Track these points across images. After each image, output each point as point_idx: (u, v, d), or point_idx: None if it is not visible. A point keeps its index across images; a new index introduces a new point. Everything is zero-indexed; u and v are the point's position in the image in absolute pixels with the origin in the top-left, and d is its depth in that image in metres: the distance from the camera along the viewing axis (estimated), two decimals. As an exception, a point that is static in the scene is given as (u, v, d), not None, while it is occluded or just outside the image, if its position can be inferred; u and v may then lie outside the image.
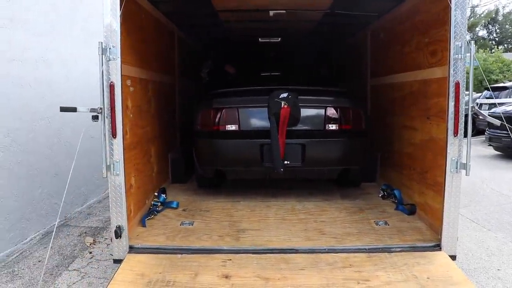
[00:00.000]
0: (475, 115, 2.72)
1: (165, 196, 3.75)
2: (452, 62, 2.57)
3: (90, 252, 3.82)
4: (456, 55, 2.55)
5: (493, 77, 19.05)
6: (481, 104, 11.79)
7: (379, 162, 4.44)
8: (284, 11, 3.97)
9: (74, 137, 4.70)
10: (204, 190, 4.16)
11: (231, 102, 3.63)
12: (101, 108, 2.51)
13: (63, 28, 4.72)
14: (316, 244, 2.81)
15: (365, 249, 2.72)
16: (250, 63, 5.51)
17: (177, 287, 2.30)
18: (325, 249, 2.71)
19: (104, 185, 5.59)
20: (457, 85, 2.56)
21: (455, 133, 2.60)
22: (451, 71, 2.58)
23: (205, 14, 4.19)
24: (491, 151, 9.56)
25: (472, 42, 2.54)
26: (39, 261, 3.63)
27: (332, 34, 5.38)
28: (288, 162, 3.43)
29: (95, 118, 2.54)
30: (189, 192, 4.15)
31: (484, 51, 23.56)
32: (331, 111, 3.59)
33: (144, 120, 3.50)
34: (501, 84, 13.62)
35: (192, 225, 3.18)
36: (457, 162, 2.62)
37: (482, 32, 39.91)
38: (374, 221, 3.21)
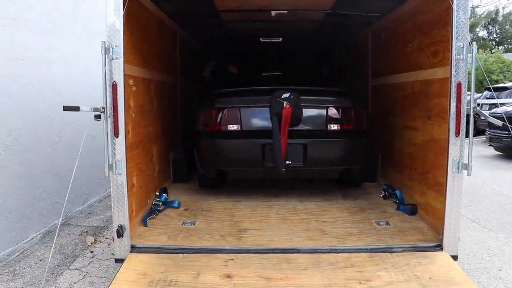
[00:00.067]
0: (477, 116, 2.73)
1: (167, 195, 3.75)
2: (454, 63, 2.58)
3: (91, 252, 3.83)
4: (458, 56, 2.56)
5: (494, 77, 19.07)
6: (481, 105, 11.79)
7: (380, 162, 4.45)
8: (286, 11, 3.98)
9: (75, 136, 4.71)
10: (205, 190, 4.16)
11: (233, 102, 3.63)
12: (103, 108, 2.52)
13: (65, 27, 4.72)
14: (318, 244, 2.81)
15: (367, 249, 2.72)
16: (252, 63, 5.52)
17: (179, 286, 2.30)
18: (326, 249, 2.72)
19: (104, 184, 5.60)
20: (459, 85, 2.56)
21: (457, 133, 2.60)
22: (453, 72, 2.58)
23: (207, 14, 4.19)
24: (492, 151, 9.56)
25: (474, 42, 2.55)
26: (40, 260, 3.63)
27: (334, 34, 5.38)
28: (290, 162, 3.44)
29: (97, 117, 2.54)
30: (190, 191, 4.15)
31: (484, 52, 23.57)
32: (333, 111, 3.60)
33: (146, 120, 3.50)
34: (502, 85, 13.64)
35: (193, 224, 3.18)
36: (458, 162, 2.62)
37: (482, 33, 39.95)
38: (376, 221, 3.21)
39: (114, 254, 2.79)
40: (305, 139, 3.51)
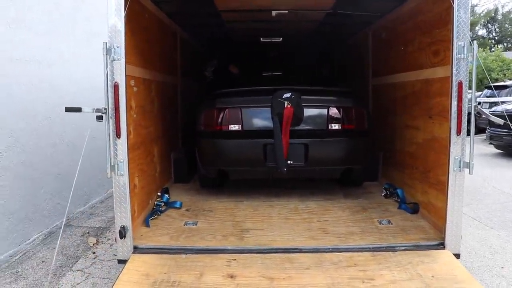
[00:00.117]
0: (478, 114, 2.72)
1: (168, 196, 3.75)
2: (455, 62, 2.58)
3: (94, 253, 3.83)
4: (459, 55, 2.57)
5: (493, 75, 19.10)
6: (481, 103, 11.81)
7: (381, 161, 4.45)
8: (287, 11, 3.98)
9: (76, 137, 4.71)
10: (206, 190, 4.17)
11: (234, 102, 3.63)
12: (105, 108, 2.52)
13: (65, 28, 4.72)
14: (320, 244, 2.81)
15: (369, 248, 2.72)
16: (253, 63, 5.52)
17: (183, 287, 2.30)
18: (329, 249, 2.72)
19: (106, 185, 5.60)
20: (460, 84, 2.57)
21: (458, 132, 2.61)
22: (454, 71, 2.59)
23: (207, 14, 4.19)
24: (492, 149, 9.57)
25: (475, 42, 2.55)
26: (42, 262, 3.63)
27: (334, 34, 5.38)
28: (291, 162, 3.44)
29: (99, 118, 2.55)
30: (191, 192, 4.15)
31: (483, 50, 23.60)
32: (334, 111, 3.60)
33: (148, 120, 3.50)
34: (502, 83, 13.66)
35: (195, 225, 3.18)
36: (460, 161, 2.63)
37: (482, 31, 39.98)
38: (378, 220, 3.22)
39: (116, 255, 2.79)
40: (307, 138, 3.52)
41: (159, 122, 3.92)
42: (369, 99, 4.86)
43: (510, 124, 2.99)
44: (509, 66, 20.24)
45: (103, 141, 2.63)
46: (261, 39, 5.53)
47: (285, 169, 3.39)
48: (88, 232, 4.35)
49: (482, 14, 37.60)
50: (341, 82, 5.56)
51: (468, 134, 2.61)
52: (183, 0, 3.73)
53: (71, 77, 4.79)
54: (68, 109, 2.60)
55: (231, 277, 2.39)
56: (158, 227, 3.14)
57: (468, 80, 2.59)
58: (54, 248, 3.89)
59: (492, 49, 23.67)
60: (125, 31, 2.53)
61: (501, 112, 7.68)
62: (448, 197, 2.66)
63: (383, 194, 3.89)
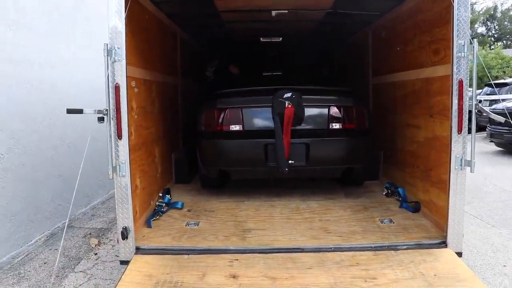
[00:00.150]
0: (479, 113, 2.72)
1: (170, 196, 3.76)
2: (455, 60, 2.58)
3: (96, 254, 3.83)
4: (459, 53, 2.57)
5: (493, 73, 19.10)
6: (481, 101, 11.81)
7: (382, 160, 4.45)
8: (286, 11, 3.98)
9: (77, 138, 4.72)
10: (208, 190, 4.17)
11: (234, 102, 3.63)
12: (106, 110, 2.52)
13: (65, 29, 4.72)
14: (322, 243, 2.82)
15: (371, 247, 2.72)
16: (253, 63, 5.52)
17: (185, 287, 2.30)
18: (331, 248, 2.72)
19: (107, 186, 5.61)
20: (460, 83, 2.57)
21: (459, 130, 2.61)
22: (455, 69, 2.59)
23: (207, 14, 4.19)
24: (493, 147, 9.57)
25: (475, 40, 2.56)
26: (45, 263, 3.64)
27: (334, 33, 5.38)
28: (293, 162, 3.44)
29: (100, 119, 2.55)
30: (193, 192, 4.15)
31: (483, 48, 23.60)
32: (335, 110, 3.60)
33: (149, 121, 3.51)
34: (502, 81, 13.65)
35: (197, 225, 3.18)
36: (461, 159, 2.63)
37: (481, 29, 39.98)
38: (379, 219, 3.22)
39: (118, 256, 2.80)
40: (307, 138, 3.52)
41: (160, 122, 3.92)
42: (369, 98, 4.86)
43: (511, 121, 2.99)
44: (509, 64, 20.24)
45: (103, 142, 2.63)
46: (261, 39, 5.53)
47: (286, 169, 3.39)
48: (90, 233, 4.36)
49: (481, 12, 37.60)
50: (341, 82, 5.56)
51: (469, 132, 2.61)
52: (183, 0, 3.72)
53: (71, 79, 4.79)
54: (69, 111, 2.60)
55: (234, 277, 2.39)
56: (160, 227, 3.14)
57: (468, 78, 2.59)
58: (56, 249, 3.90)
59: (492, 47, 23.67)
60: (125, 32, 2.53)
61: (502, 109, 7.68)
62: (450, 195, 2.66)
63: (384, 193, 3.89)
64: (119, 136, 2.56)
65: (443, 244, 2.71)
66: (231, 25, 4.77)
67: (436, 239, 2.80)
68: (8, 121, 3.67)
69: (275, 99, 3.42)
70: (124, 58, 2.52)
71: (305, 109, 3.49)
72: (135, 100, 3.05)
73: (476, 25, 37.40)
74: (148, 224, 3.16)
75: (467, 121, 2.61)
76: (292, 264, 2.52)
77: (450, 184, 2.65)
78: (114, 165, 2.59)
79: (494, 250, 3.73)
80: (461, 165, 2.63)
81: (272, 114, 3.42)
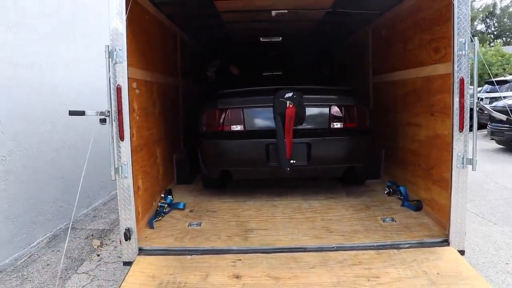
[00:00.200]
0: (480, 110, 2.72)
1: (172, 197, 3.76)
2: (456, 59, 2.58)
3: (98, 255, 3.84)
4: (460, 52, 2.57)
5: (493, 70, 19.09)
6: (482, 98, 11.80)
7: (383, 159, 4.45)
8: (286, 11, 3.98)
9: (79, 140, 4.73)
10: (209, 191, 4.17)
11: (236, 102, 3.63)
12: (108, 111, 2.52)
13: (65, 31, 4.73)
14: (325, 242, 2.82)
15: (374, 246, 2.73)
16: (253, 63, 5.52)
17: (189, 288, 2.31)
18: (333, 247, 2.72)
19: (108, 187, 5.62)
20: (461, 81, 2.57)
21: (461, 128, 2.61)
22: (455, 68, 2.59)
23: (207, 15, 4.20)
24: (494, 145, 9.57)
25: (476, 38, 2.56)
26: (47, 265, 3.65)
27: (334, 32, 5.38)
28: (294, 161, 3.44)
29: (102, 121, 2.55)
30: (194, 192, 4.16)
31: (483, 45, 23.59)
32: (336, 110, 3.60)
33: (150, 122, 3.51)
34: (502, 78, 13.65)
35: (200, 226, 3.19)
36: (463, 157, 2.63)
37: (480, 26, 39.97)
38: (381, 218, 3.22)
39: (121, 257, 2.80)
40: (309, 138, 3.52)
41: (161, 123, 3.93)
42: (370, 97, 4.86)
43: (512, 119, 3.00)
44: (509, 61, 20.22)
45: (105, 144, 2.63)
46: (261, 39, 5.53)
47: (288, 168, 3.39)
48: (92, 235, 4.36)
49: (480, 9, 37.58)
50: (341, 81, 5.56)
51: (470, 130, 2.61)
52: (183, 1, 3.72)
53: (72, 81, 4.80)
54: (71, 113, 2.61)
55: (237, 277, 2.39)
56: (162, 228, 3.15)
57: (469, 76, 2.59)
58: (59, 251, 3.91)
59: (491, 44, 23.66)
60: (126, 33, 2.53)
61: (503, 107, 7.68)
62: (452, 193, 2.66)
63: (386, 192, 3.89)
64: (121, 137, 2.57)
65: (446, 242, 2.71)
66: (231, 25, 4.77)
67: (438, 237, 2.80)
68: (9, 123, 3.67)
69: (276, 99, 3.42)
70: (126, 59, 2.53)
71: (306, 108, 3.49)
72: (136, 102, 3.05)
73: (475, 23, 37.42)
74: (150, 225, 3.17)
75: (468, 119, 2.61)
76: (295, 264, 2.53)
77: (452, 183, 2.65)
78: (116, 166, 2.59)
79: (496, 248, 3.73)
80: (462, 163, 2.63)
81: (274, 114, 3.42)
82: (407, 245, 2.72)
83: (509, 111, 2.82)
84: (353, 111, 3.65)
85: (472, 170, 2.61)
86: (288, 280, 2.35)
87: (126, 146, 2.60)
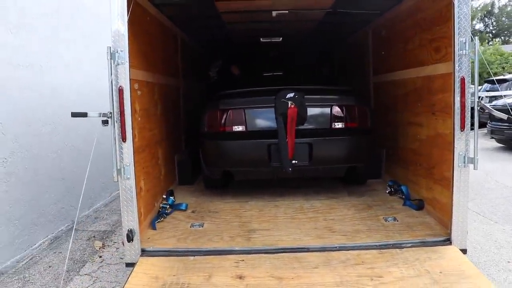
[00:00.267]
0: (481, 110, 2.73)
1: (173, 198, 3.76)
2: (457, 58, 2.59)
3: (100, 256, 3.84)
4: (461, 51, 2.58)
5: (493, 69, 19.12)
6: (482, 98, 11.81)
7: (384, 159, 4.46)
8: (287, 11, 3.99)
9: (80, 141, 4.72)
10: (211, 191, 4.17)
11: (237, 103, 3.64)
12: (111, 113, 2.53)
13: (65, 31, 4.73)
14: (327, 242, 2.82)
15: (376, 245, 2.73)
16: (254, 64, 5.53)
17: (192, 288, 2.31)
18: (336, 247, 2.73)
19: (109, 188, 5.62)
20: (462, 80, 2.58)
21: (462, 128, 2.62)
22: (456, 67, 2.60)
23: (208, 16, 4.20)
24: (494, 143, 9.59)
25: (476, 37, 2.57)
26: (49, 267, 3.64)
27: (334, 32, 5.39)
28: (296, 162, 3.45)
29: (105, 122, 2.55)
30: (196, 193, 4.16)
31: (481, 44, 23.63)
32: (337, 110, 3.61)
33: (152, 123, 3.51)
34: (501, 77, 13.68)
35: (202, 226, 3.19)
36: (464, 156, 2.64)
37: (479, 26, 40.02)
38: (383, 218, 3.23)
39: (123, 258, 2.80)
40: (310, 138, 3.53)
41: (163, 124, 3.93)
42: (371, 97, 4.87)
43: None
44: (508, 60, 20.26)
45: (106, 145, 2.64)
46: (261, 39, 5.54)
47: (290, 169, 3.40)
48: (94, 236, 4.36)
49: (478, 8, 37.64)
50: (342, 81, 5.57)
51: (472, 129, 2.62)
52: (184, 2, 3.73)
53: (72, 82, 4.80)
54: (74, 114, 2.61)
55: (240, 277, 2.40)
56: (165, 229, 3.15)
57: (470, 75, 2.60)
58: (61, 252, 3.91)
59: (490, 43, 23.70)
60: (128, 35, 2.53)
61: (502, 106, 7.69)
62: (453, 192, 2.67)
63: (387, 191, 3.89)
64: (124, 138, 2.57)
65: (448, 241, 2.72)
66: (231, 26, 4.78)
67: (440, 236, 2.81)
68: (10, 124, 3.67)
69: (278, 99, 3.42)
70: (127, 61, 2.53)
71: (308, 109, 3.50)
72: (138, 103, 3.06)
73: (474, 22, 37.48)
74: (152, 226, 3.17)
75: (469, 118, 2.62)
76: (298, 264, 2.53)
77: (454, 182, 2.66)
78: (118, 167, 2.59)
79: (498, 247, 3.74)
80: (464, 162, 2.64)
81: (275, 114, 3.43)
82: (410, 244, 2.72)
83: (510, 110, 2.82)
84: (354, 111, 3.66)
85: (474, 169, 2.62)
86: (291, 280, 2.35)
87: (128, 147, 2.61)
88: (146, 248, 2.78)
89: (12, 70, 3.75)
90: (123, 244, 2.72)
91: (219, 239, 2.94)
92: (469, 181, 2.66)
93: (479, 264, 3.34)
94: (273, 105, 3.44)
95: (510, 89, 11.62)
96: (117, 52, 2.50)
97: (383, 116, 4.36)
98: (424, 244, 2.74)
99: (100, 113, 2.52)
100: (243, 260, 2.60)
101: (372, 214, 3.34)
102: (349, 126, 3.62)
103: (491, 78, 13.51)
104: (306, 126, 3.54)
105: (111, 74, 2.50)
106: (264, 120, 3.60)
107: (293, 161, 3.43)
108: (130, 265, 2.67)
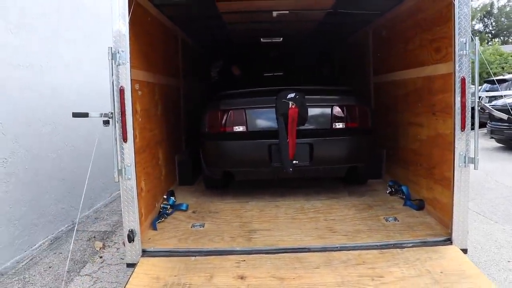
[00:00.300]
0: (482, 110, 2.74)
1: (174, 198, 3.76)
2: (457, 58, 2.60)
3: (101, 257, 3.83)
4: (461, 51, 2.58)
5: (493, 69, 19.15)
6: (482, 98, 11.83)
7: (385, 159, 4.47)
8: (287, 12, 3.99)
9: (80, 142, 4.72)
10: (212, 192, 4.17)
11: (238, 103, 3.64)
12: (112, 113, 2.52)
13: (65, 33, 4.73)
14: (328, 242, 2.82)
15: (377, 245, 2.74)
16: (255, 64, 5.53)
17: (194, 289, 2.31)
18: (337, 247, 2.73)
19: (109, 188, 5.61)
20: (463, 80, 2.58)
21: (462, 128, 2.62)
22: (457, 67, 2.60)
23: (209, 16, 4.20)
24: (493, 143, 9.60)
25: (477, 38, 2.57)
26: (49, 267, 3.64)
27: (335, 33, 5.40)
28: (297, 162, 3.45)
29: (106, 123, 2.55)
30: (197, 193, 4.16)
31: (481, 44, 23.67)
32: (337, 110, 3.62)
33: (152, 124, 3.51)
34: (501, 77, 13.70)
35: (203, 227, 3.19)
36: (465, 156, 2.64)
37: (478, 26, 40.08)
38: (384, 218, 3.23)
39: (123, 259, 2.80)
40: (311, 138, 3.53)
41: (163, 125, 3.93)
42: (371, 97, 4.88)
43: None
44: (507, 60, 20.29)
45: (106, 145, 2.64)
46: (262, 39, 5.54)
47: (291, 169, 3.40)
48: (94, 237, 4.36)
49: (478, 9, 37.69)
50: (342, 81, 5.57)
51: (472, 129, 2.63)
52: (184, 3, 3.73)
53: (72, 82, 4.80)
54: (75, 115, 2.61)
55: (241, 278, 2.40)
56: (166, 230, 3.15)
57: (471, 75, 2.60)
58: (61, 253, 3.91)
59: (489, 43, 23.74)
60: (129, 35, 2.53)
61: (502, 106, 7.70)
62: (454, 192, 2.67)
63: (388, 192, 3.90)
64: (125, 139, 2.57)
65: (448, 241, 2.72)
66: (232, 26, 4.78)
67: (441, 236, 2.81)
68: (11, 124, 3.67)
69: (278, 99, 3.42)
70: (128, 61, 2.53)
71: (308, 109, 3.50)
72: (139, 103, 3.06)
73: (473, 22, 37.52)
74: (153, 226, 3.17)
75: (470, 118, 2.62)
76: (299, 264, 2.53)
77: (454, 182, 2.66)
78: (119, 168, 2.59)
79: (498, 246, 3.75)
80: (464, 162, 2.64)
81: (276, 114, 3.43)
82: (410, 244, 2.73)
83: (510, 110, 2.83)
84: (355, 111, 3.66)
85: (474, 169, 2.62)
86: (293, 281, 2.35)
87: (129, 147, 2.60)
88: (147, 248, 2.77)
89: (12, 70, 3.74)
90: (124, 245, 2.71)
91: (220, 239, 2.94)
92: (470, 181, 2.66)
93: (479, 263, 3.34)
94: (274, 105, 3.44)
95: (509, 89, 11.63)
96: (118, 52, 2.50)
97: (383, 116, 4.37)
98: (424, 244, 2.74)
99: (101, 114, 2.51)
100: (244, 260, 2.60)
101: (373, 214, 3.34)
102: (350, 126, 3.62)
103: (491, 78, 13.53)
104: (307, 126, 3.54)
105: (112, 75, 2.50)
106: (265, 120, 3.60)
107: (294, 161, 3.43)
108: (131, 265, 2.67)
